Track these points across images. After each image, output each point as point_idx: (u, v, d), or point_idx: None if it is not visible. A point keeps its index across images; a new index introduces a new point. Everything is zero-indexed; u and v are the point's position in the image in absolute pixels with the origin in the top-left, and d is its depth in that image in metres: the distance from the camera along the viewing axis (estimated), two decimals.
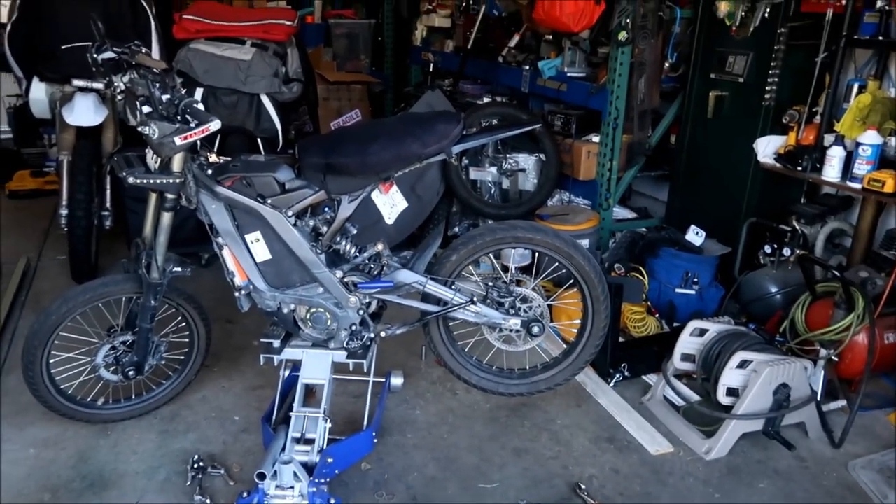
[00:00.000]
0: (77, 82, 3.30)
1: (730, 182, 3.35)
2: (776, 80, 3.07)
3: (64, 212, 3.33)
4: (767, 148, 3.16)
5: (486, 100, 4.28)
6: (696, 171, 3.56)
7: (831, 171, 2.90)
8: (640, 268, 3.24)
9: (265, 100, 3.62)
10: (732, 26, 3.16)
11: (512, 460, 2.34)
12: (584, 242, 3.44)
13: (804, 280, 2.81)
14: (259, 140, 3.69)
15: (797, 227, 3.13)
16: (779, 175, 3.13)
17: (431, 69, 5.04)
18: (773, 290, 3.08)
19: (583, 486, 2.18)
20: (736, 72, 3.23)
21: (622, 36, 3.35)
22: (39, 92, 3.53)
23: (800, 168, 3.00)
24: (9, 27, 3.51)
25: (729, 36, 3.21)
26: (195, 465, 2.18)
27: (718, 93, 3.34)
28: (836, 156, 2.88)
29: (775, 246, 3.13)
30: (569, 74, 3.87)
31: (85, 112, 3.35)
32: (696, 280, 3.21)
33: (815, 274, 2.89)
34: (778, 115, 3.12)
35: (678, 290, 3.23)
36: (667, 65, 3.59)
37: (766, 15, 3.04)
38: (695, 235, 3.36)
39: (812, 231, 3.14)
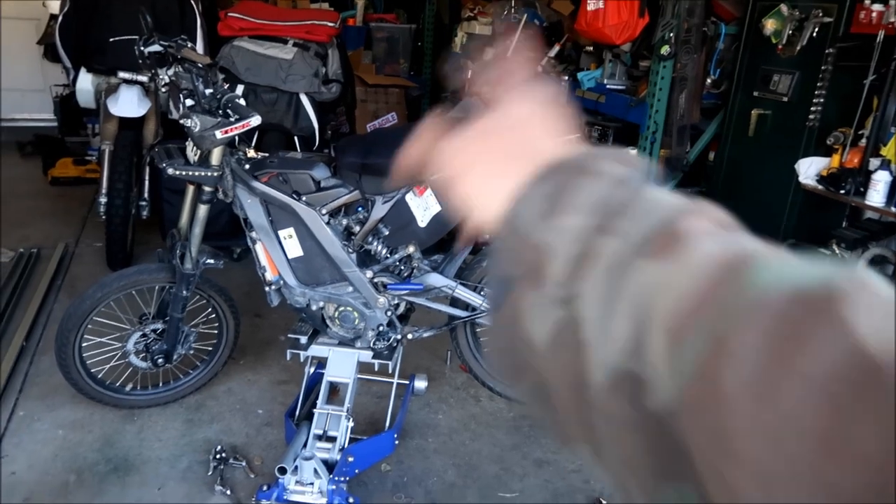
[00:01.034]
0: (122, 74, 3.38)
1: (769, 202, 3.29)
2: (822, 100, 3.02)
3: (103, 200, 3.40)
4: (810, 169, 3.09)
5: None
6: (733, 189, 3.51)
7: (876, 195, 2.83)
8: None
9: (304, 99, 3.65)
10: (779, 44, 3.11)
11: (533, 471, 2.31)
12: None
13: None
14: (296, 138, 3.73)
15: (837, 251, 3.05)
16: (820, 198, 3.06)
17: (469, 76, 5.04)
18: None
19: (604, 502, 2.15)
20: (780, 91, 3.17)
21: (665, 50, 3.32)
22: (86, 82, 3.61)
23: (843, 191, 2.94)
24: (60, 19, 3.60)
25: (774, 54, 3.16)
26: (217, 456, 2.20)
27: (761, 111, 3.28)
28: (881, 180, 2.81)
29: None
30: (608, 86, 3.85)
31: (129, 103, 3.42)
32: None
33: None
34: (822, 136, 3.06)
35: None
36: (709, 81, 3.55)
37: (815, 34, 2.98)
38: None
39: (852, 256, 3.06)
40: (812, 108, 3.04)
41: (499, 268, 0.34)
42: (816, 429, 0.24)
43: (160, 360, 2.38)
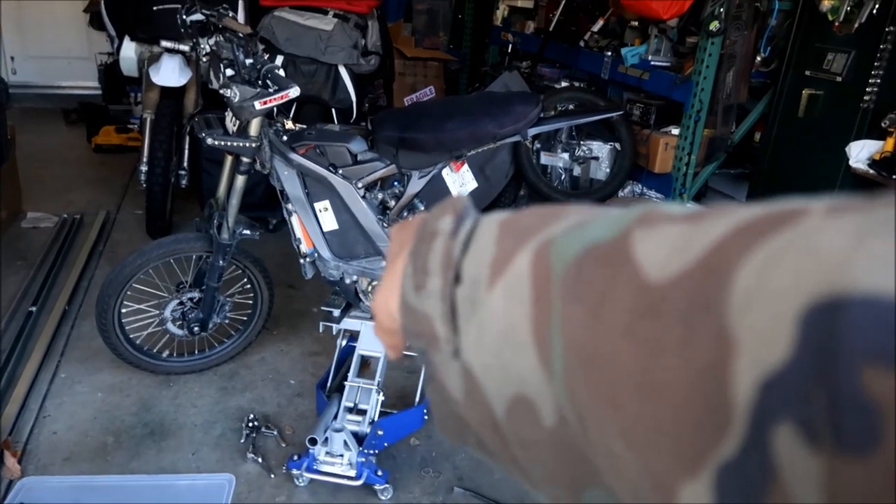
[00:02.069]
0: (165, 43, 3.39)
1: (816, 186, 3.18)
2: (878, 81, 2.88)
3: (144, 168, 3.45)
4: (861, 153, 2.97)
5: (563, 84, 4.19)
6: (780, 171, 3.40)
7: None
8: None
9: (343, 71, 3.64)
10: (835, 21, 2.98)
11: None
12: None
13: None
14: (333, 111, 3.72)
15: None
16: (870, 182, 2.94)
17: (510, 50, 4.96)
18: None
19: None
20: (834, 70, 3.04)
21: (714, 26, 3.20)
22: (129, 51, 3.65)
23: (895, 177, 2.82)
24: None
25: (830, 32, 3.03)
26: (250, 424, 2.23)
27: (812, 91, 3.16)
28: None
29: None
30: (652, 63, 3.74)
31: (170, 73, 3.45)
32: None
33: None
34: (876, 118, 2.93)
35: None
36: (758, 59, 3.42)
37: (874, 11, 2.84)
38: None
39: None
40: (867, 89, 2.91)
41: (413, 345, 0.37)
42: (631, 374, 0.24)
43: (196, 328, 2.42)
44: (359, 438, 2.03)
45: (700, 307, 0.23)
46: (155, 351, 2.52)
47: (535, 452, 0.31)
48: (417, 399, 2.25)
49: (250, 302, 2.57)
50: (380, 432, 2.02)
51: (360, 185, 2.11)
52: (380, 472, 2.00)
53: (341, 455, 2.00)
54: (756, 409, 0.21)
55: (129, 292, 2.36)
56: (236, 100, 1.99)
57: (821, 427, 0.19)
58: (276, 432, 2.26)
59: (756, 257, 0.22)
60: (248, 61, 2.03)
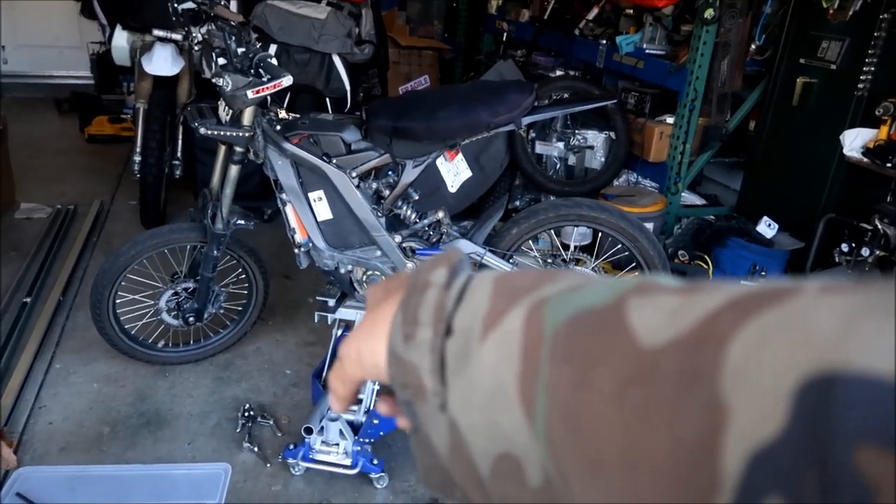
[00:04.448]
0: (157, 32, 3.37)
1: (810, 174, 3.18)
2: (873, 69, 2.88)
3: (137, 158, 3.43)
4: (855, 141, 2.98)
5: (558, 73, 4.17)
6: (774, 160, 3.40)
7: None
8: (706, 256, 3.13)
9: (336, 60, 3.62)
10: (830, 9, 2.97)
11: None
12: (649, 226, 3.34)
13: None
14: (327, 100, 3.70)
15: (880, 226, 2.95)
16: (864, 171, 2.95)
17: (505, 38, 4.94)
18: None
19: None
20: (829, 58, 3.04)
21: (708, 14, 3.19)
22: (121, 40, 3.62)
23: (889, 165, 2.83)
24: None
25: (825, 19, 3.02)
26: (245, 414, 2.24)
27: (807, 79, 3.16)
28: None
29: (853, 245, 2.97)
30: (647, 51, 3.73)
31: (163, 62, 3.43)
32: (763, 274, 3.08)
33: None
34: (870, 106, 2.93)
35: (744, 283, 3.11)
36: (753, 47, 3.41)
37: None
38: (766, 227, 3.22)
39: (895, 232, 2.96)
40: (861, 77, 2.91)
41: (399, 395, 0.37)
42: (617, 441, 0.24)
43: (191, 319, 2.42)
44: (354, 427, 2.04)
45: (692, 375, 0.23)
46: (150, 341, 2.52)
47: None
48: None
49: (245, 292, 2.57)
50: (375, 421, 2.02)
51: (354, 174, 2.10)
52: (375, 461, 2.01)
53: (337, 444, 2.01)
54: (745, 481, 0.21)
55: (123, 283, 2.35)
56: (229, 89, 1.98)
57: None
58: (271, 422, 2.26)
59: (750, 331, 0.22)
60: (241, 50, 2.02)
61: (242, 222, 2.29)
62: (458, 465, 0.34)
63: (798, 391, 0.20)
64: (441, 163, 2.25)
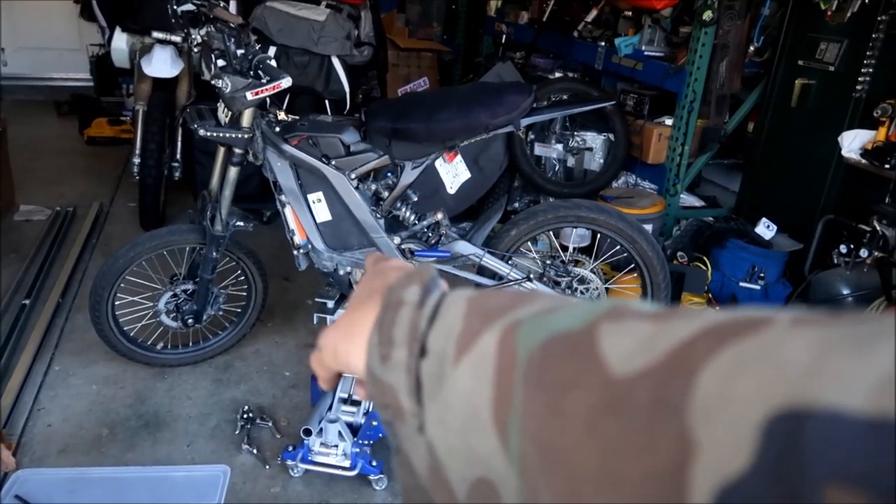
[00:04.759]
0: (156, 34, 3.37)
1: (808, 176, 3.19)
2: (871, 70, 2.89)
3: (137, 160, 3.43)
4: (854, 143, 2.98)
5: (557, 74, 4.18)
6: (772, 161, 3.40)
7: None
8: (704, 258, 3.13)
9: (336, 62, 3.62)
10: (828, 11, 2.98)
11: None
12: (648, 228, 3.34)
13: (880, 284, 2.66)
14: (327, 102, 3.71)
15: (878, 228, 2.96)
16: (863, 172, 2.95)
17: (504, 40, 4.95)
18: (845, 291, 2.93)
19: None
20: (827, 60, 3.05)
21: (707, 15, 3.20)
22: (121, 42, 3.63)
23: (887, 166, 2.83)
24: None
25: (823, 21, 3.03)
26: (245, 416, 2.24)
27: (805, 81, 3.16)
28: None
29: (852, 246, 2.97)
30: (646, 53, 3.73)
31: (162, 64, 3.43)
32: (762, 275, 3.09)
33: (892, 278, 2.74)
34: (869, 108, 2.93)
35: (742, 284, 3.11)
36: (751, 48, 3.42)
37: (867, 1, 2.84)
38: (765, 229, 3.22)
39: (893, 233, 2.96)
40: (860, 79, 2.92)
41: (381, 415, 0.37)
42: (589, 469, 0.24)
43: (190, 320, 2.42)
44: (353, 429, 2.04)
45: (662, 407, 0.23)
46: (149, 343, 2.51)
47: None
48: None
49: (244, 294, 2.57)
50: (374, 423, 2.02)
51: (353, 175, 2.11)
52: (374, 463, 2.01)
53: (336, 446, 2.01)
54: None
55: (122, 284, 2.35)
56: (228, 90, 1.98)
57: None
58: (270, 423, 2.26)
59: (720, 362, 0.22)
60: (240, 52, 2.02)
61: (241, 224, 2.29)
62: (437, 487, 0.34)
63: (767, 425, 0.20)
64: (440, 164, 2.25)
